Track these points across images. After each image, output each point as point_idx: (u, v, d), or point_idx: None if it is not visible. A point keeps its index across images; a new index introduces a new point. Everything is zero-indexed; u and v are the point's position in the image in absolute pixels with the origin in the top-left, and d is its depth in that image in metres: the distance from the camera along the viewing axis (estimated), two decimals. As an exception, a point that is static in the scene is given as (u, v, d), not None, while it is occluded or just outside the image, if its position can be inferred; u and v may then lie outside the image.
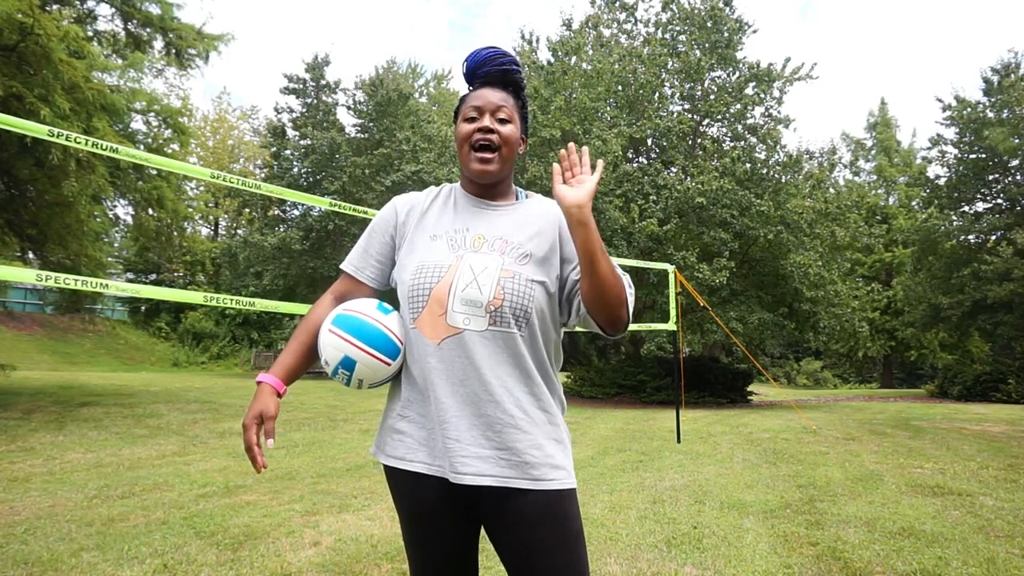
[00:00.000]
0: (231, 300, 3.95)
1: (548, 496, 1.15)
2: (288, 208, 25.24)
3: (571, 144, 1.22)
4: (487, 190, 1.30)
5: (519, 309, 1.17)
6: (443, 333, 1.17)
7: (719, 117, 15.40)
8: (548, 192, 12.80)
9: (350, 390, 11.84)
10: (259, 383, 1.21)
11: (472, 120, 1.25)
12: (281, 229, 24.39)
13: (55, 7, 9.42)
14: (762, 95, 15.13)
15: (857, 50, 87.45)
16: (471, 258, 1.21)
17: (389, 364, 1.22)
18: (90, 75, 8.35)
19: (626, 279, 1.19)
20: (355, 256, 1.35)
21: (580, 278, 1.18)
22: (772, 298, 14.46)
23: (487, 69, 1.28)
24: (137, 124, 10.72)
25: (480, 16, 77.27)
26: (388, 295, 1.34)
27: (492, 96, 1.26)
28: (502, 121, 1.25)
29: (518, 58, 1.36)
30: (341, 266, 1.38)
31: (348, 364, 1.20)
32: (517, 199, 1.35)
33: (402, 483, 1.24)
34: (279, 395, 1.21)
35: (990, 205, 20.00)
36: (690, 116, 15.22)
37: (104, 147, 3.42)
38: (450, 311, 1.17)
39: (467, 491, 1.18)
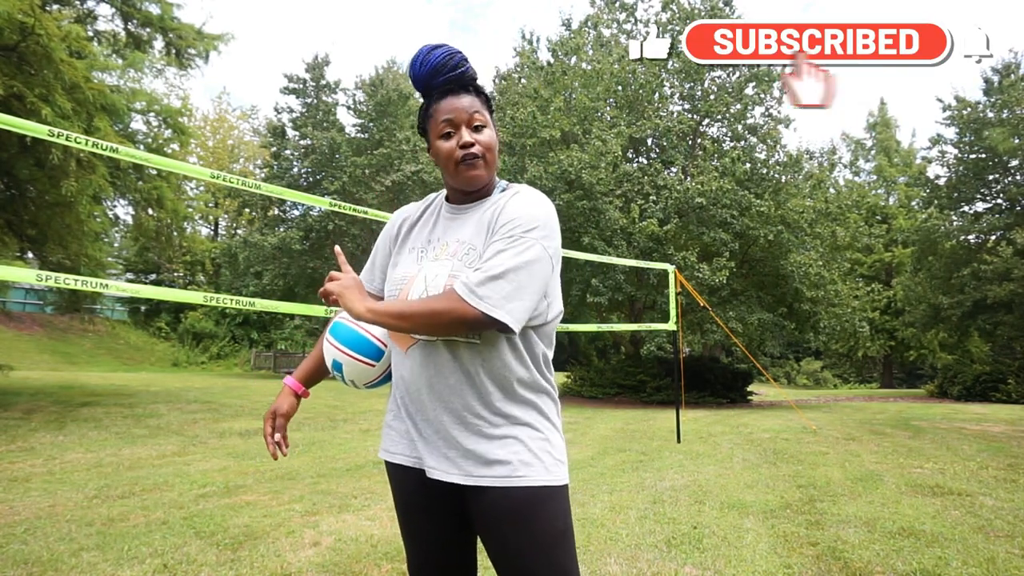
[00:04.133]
0: (231, 300, 3.96)
1: (517, 494, 1.13)
2: (288, 208, 25.22)
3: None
4: (470, 196, 1.29)
5: None
6: (407, 342, 1.22)
7: (719, 117, 15.40)
8: (548, 193, 12.82)
9: (350, 390, 11.85)
10: (284, 384, 1.40)
11: (449, 136, 1.23)
12: (281, 229, 24.37)
13: (55, 7, 9.41)
14: (762, 95, 15.12)
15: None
16: (429, 267, 1.23)
17: (373, 365, 1.31)
18: (90, 75, 8.35)
19: (438, 299, 1.12)
20: (365, 271, 1.43)
21: None
22: (772, 298, 14.46)
23: (444, 78, 1.24)
24: (137, 124, 10.72)
25: (481, 16, 77.31)
26: None
27: (460, 104, 1.23)
28: (478, 128, 1.24)
29: (462, 51, 1.30)
30: None
31: (337, 367, 1.33)
32: (492, 194, 1.30)
33: (391, 475, 1.31)
34: (297, 395, 1.38)
35: (990, 205, 20.00)
36: (690, 116, 15.23)
37: (104, 147, 3.42)
38: None
39: (446, 487, 1.19)
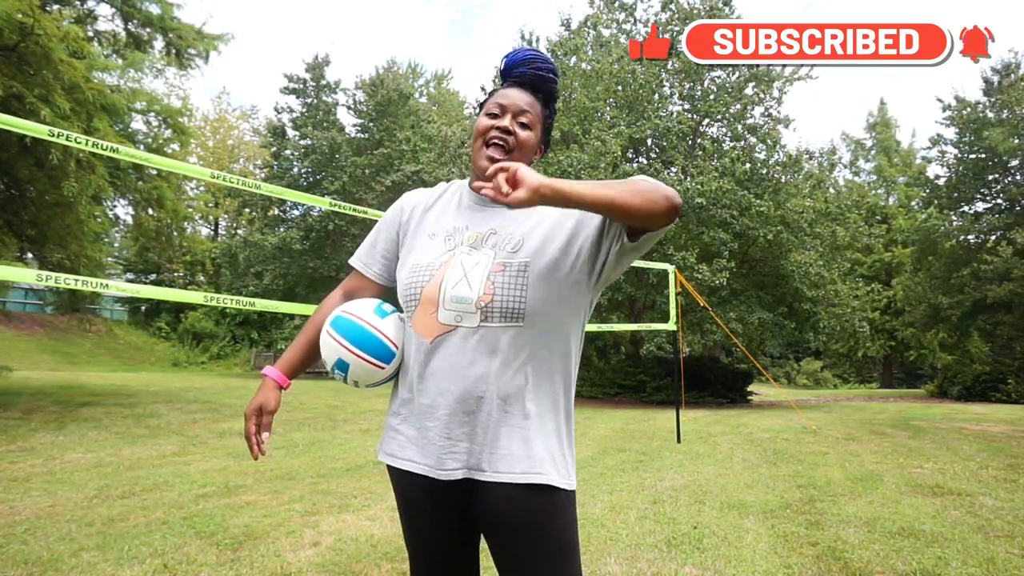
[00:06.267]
0: (231, 300, 3.96)
1: (530, 492, 1.12)
2: (288, 208, 25.21)
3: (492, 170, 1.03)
4: None
5: (510, 303, 1.14)
6: (435, 331, 1.17)
7: (719, 117, 15.39)
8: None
9: (350, 390, 11.85)
10: (264, 375, 1.29)
11: (493, 116, 1.24)
12: (281, 229, 24.36)
13: (55, 7, 9.40)
14: (762, 95, 15.12)
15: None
16: (463, 255, 1.20)
17: (383, 368, 1.23)
18: (90, 75, 8.35)
19: (630, 186, 1.03)
20: (363, 252, 1.37)
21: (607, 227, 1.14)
22: (772, 298, 14.46)
23: (523, 70, 1.26)
24: (137, 124, 10.74)
25: (480, 16, 77.30)
26: (392, 294, 1.34)
27: (519, 98, 1.24)
28: (523, 125, 1.24)
29: (557, 67, 1.28)
30: (350, 261, 1.39)
31: (342, 366, 1.22)
32: None
33: (396, 479, 1.26)
34: (281, 388, 1.29)
35: (990, 205, 20.01)
36: (690, 116, 15.22)
37: (104, 147, 3.42)
38: (441, 309, 1.17)
39: (454, 489, 1.17)
